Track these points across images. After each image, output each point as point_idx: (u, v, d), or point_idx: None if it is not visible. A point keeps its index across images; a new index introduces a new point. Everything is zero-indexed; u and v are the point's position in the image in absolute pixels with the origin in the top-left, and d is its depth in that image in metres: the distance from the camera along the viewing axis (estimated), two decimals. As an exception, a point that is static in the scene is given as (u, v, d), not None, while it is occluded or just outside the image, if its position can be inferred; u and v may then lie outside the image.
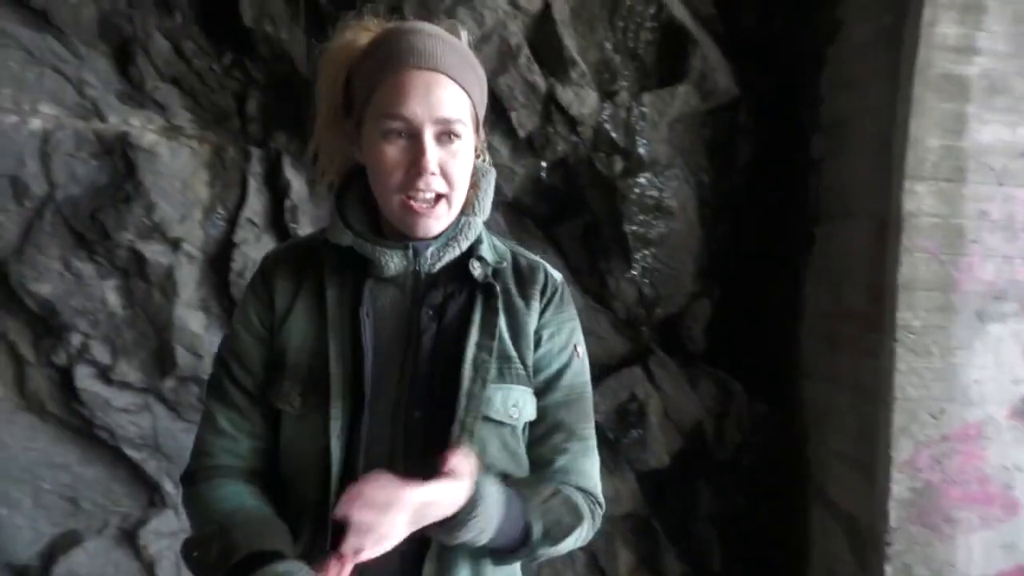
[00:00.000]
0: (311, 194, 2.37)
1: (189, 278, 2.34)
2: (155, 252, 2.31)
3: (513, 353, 1.01)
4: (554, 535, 0.97)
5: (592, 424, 1.08)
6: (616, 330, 2.54)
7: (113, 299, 2.31)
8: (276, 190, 2.38)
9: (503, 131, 2.39)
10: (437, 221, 0.96)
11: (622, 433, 2.45)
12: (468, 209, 1.01)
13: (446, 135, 0.93)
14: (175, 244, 2.33)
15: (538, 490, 0.98)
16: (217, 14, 2.35)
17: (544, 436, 1.04)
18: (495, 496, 0.91)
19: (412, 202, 0.93)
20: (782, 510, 2.55)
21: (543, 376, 1.04)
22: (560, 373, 1.05)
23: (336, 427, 0.93)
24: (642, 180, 2.44)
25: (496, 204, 2.42)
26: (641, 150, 2.44)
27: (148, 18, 2.31)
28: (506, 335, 1.01)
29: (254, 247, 2.35)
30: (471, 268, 1.00)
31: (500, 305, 1.00)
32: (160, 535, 2.37)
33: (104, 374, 2.31)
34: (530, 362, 1.02)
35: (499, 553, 0.97)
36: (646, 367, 2.51)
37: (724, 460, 2.53)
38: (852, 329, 2.28)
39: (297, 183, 2.36)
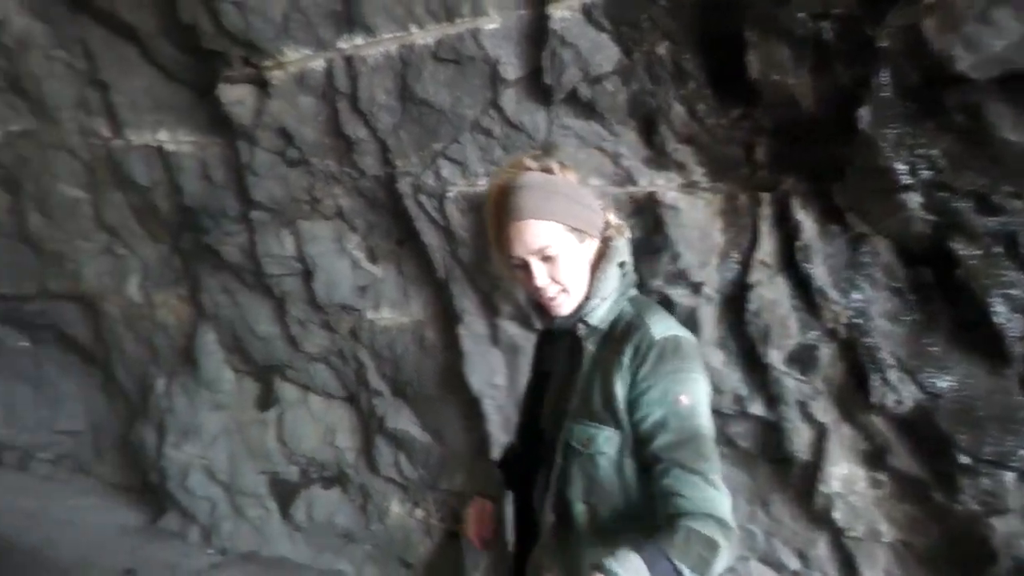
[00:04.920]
0: (821, 233, 2.37)
1: (709, 318, 2.59)
2: (680, 295, 2.61)
3: (597, 397, 1.34)
4: (699, 567, 1.17)
5: (710, 461, 1.28)
6: None
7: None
8: (786, 231, 2.44)
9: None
10: (561, 306, 1.42)
11: None
12: (591, 291, 1.41)
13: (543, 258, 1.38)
14: (696, 288, 2.59)
15: (671, 538, 1.20)
16: (726, 73, 2.55)
17: (664, 472, 1.26)
18: (630, 554, 1.16)
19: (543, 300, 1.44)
20: None
21: (651, 420, 1.29)
22: (666, 418, 1.28)
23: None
24: None
25: None
26: None
27: (667, 91, 2.63)
28: (596, 381, 1.35)
29: (768, 288, 2.46)
30: (577, 329, 1.42)
31: (596, 357, 1.37)
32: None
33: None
34: (618, 405, 1.32)
35: None
36: None
37: None
38: None
39: (807, 223, 2.38)
